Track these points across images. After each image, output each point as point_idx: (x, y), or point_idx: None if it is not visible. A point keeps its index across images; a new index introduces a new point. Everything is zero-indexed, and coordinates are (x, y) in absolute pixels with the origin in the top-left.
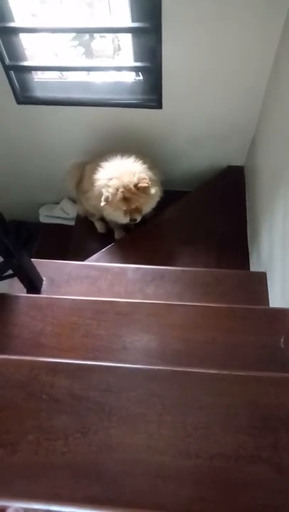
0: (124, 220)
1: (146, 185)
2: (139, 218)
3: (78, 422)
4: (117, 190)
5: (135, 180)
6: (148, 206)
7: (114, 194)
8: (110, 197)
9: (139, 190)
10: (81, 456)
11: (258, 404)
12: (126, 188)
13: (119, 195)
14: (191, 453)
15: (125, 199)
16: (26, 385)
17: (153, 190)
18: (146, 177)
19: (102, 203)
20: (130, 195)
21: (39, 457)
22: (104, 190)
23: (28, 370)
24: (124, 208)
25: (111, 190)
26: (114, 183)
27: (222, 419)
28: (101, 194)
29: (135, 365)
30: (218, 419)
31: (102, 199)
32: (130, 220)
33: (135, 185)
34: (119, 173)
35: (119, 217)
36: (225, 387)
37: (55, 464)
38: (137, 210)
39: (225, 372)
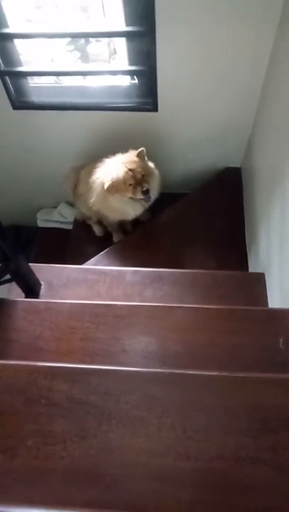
0: (137, 195)
1: (143, 149)
2: (150, 188)
3: (77, 425)
4: (120, 169)
5: (134, 153)
6: (152, 181)
7: (118, 176)
8: (115, 179)
9: (140, 157)
10: (80, 460)
11: (257, 405)
12: (128, 161)
13: (124, 170)
14: (190, 455)
15: (130, 172)
16: (25, 389)
17: (152, 164)
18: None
19: (107, 184)
20: (134, 165)
21: (38, 462)
22: (106, 178)
23: (27, 374)
24: (132, 182)
25: (114, 174)
26: (117, 167)
27: (222, 421)
28: (100, 190)
29: (134, 368)
30: (217, 421)
31: (107, 181)
32: (143, 192)
33: (136, 155)
34: (118, 161)
35: (128, 203)
36: (224, 389)
37: (55, 468)
38: (144, 179)
39: (224, 373)
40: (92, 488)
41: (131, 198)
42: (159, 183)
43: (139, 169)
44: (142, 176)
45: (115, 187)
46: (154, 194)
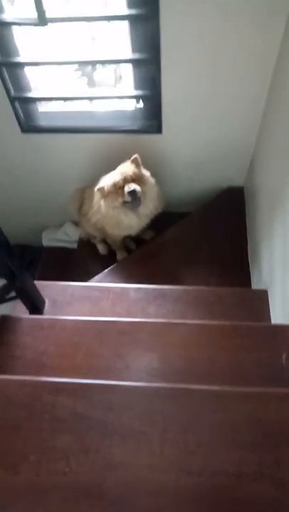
0: (125, 197)
1: (136, 155)
2: (137, 188)
3: (80, 441)
4: (114, 174)
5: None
6: (145, 187)
7: (110, 179)
8: (105, 187)
9: (134, 163)
10: (83, 476)
11: (260, 420)
12: (122, 168)
13: (117, 178)
14: (193, 471)
15: (121, 176)
16: (28, 404)
17: (148, 173)
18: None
19: (98, 186)
20: (125, 170)
21: (41, 478)
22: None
23: (31, 389)
24: (122, 185)
25: (109, 181)
26: (112, 174)
27: (224, 436)
28: (97, 199)
29: (136, 383)
30: (220, 436)
31: (98, 186)
32: (129, 193)
33: (131, 162)
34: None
35: (121, 211)
36: (226, 404)
37: (57, 484)
38: (133, 180)
39: (226, 388)
40: (95, 504)
41: (124, 204)
42: (158, 194)
43: (130, 173)
44: (133, 180)
45: (106, 190)
46: (151, 204)
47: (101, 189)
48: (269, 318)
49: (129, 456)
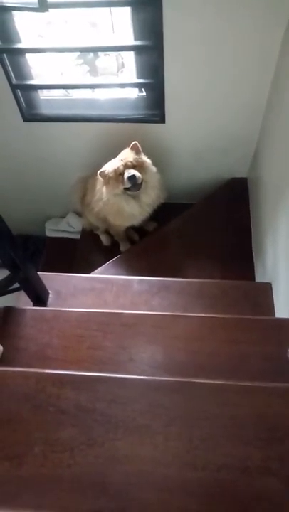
0: (125, 183)
1: (136, 142)
2: (137, 174)
3: (84, 433)
4: (114, 161)
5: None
6: (146, 175)
7: (111, 169)
8: (106, 171)
9: (134, 150)
10: (87, 469)
11: (264, 414)
12: (123, 155)
13: (118, 164)
14: (197, 465)
15: (121, 162)
16: (33, 397)
17: (149, 160)
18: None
19: (100, 171)
20: (126, 156)
21: (45, 470)
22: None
23: (35, 382)
24: (122, 171)
25: (110, 167)
26: (113, 161)
27: (228, 431)
28: (99, 187)
29: (141, 377)
30: (224, 431)
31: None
32: (128, 178)
33: (130, 148)
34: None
35: (122, 198)
36: (231, 398)
37: (62, 476)
38: (133, 166)
39: (231, 382)
40: (99, 497)
41: (125, 192)
42: (160, 182)
43: (130, 159)
44: (134, 166)
45: (107, 175)
46: (153, 193)
47: (102, 173)
48: (273, 312)
49: (133, 449)
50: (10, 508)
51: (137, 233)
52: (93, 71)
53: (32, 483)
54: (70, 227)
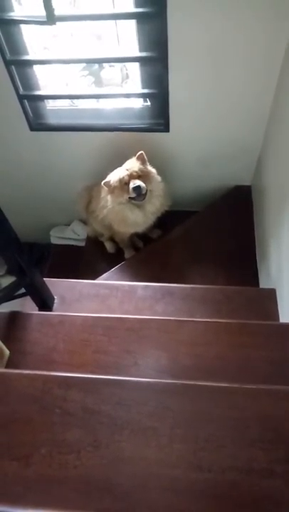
0: (130, 192)
1: (142, 152)
2: (142, 184)
3: (90, 435)
4: (120, 170)
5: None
6: (151, 184)
7: (116, 179)
8: (111, 182)
9: (139, 159)
10: (93, 470)
11: (269, 417)
12: (128, 164)
13: (123, 174)
14: (203, 467)
15: (127, 171)
16: (39, 398)
17: (154, 170)
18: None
19: (104, 180)
20: (131, 166)
21: (52, 470)
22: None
23: (41, 384)
24: (127, 181)
25: (115, 176)
26: (118, 171)
27: (234, 433)
28: (104, 195)
29: (146, 379)
30: (229, 433)
31: (104, 180)
32: (133, 188)
33: (136, 158)
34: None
35: (127, 207)
36: (236, 401)
37: (68, 477)
38: (138, 177)
39: (236, 385)
40: (105, 498)
41: (129, 201)
42: (164, 191)
43: (136, 169)
44: (139, 176)
45: (112, 184)
46: (158, 201)
47: (107, 183)
48: (277, 318)
49: (138, 451)
50: (17, 508)
51: (142, 240)
52: (98, 82)
53: (39, 483)
54: (75, 234)
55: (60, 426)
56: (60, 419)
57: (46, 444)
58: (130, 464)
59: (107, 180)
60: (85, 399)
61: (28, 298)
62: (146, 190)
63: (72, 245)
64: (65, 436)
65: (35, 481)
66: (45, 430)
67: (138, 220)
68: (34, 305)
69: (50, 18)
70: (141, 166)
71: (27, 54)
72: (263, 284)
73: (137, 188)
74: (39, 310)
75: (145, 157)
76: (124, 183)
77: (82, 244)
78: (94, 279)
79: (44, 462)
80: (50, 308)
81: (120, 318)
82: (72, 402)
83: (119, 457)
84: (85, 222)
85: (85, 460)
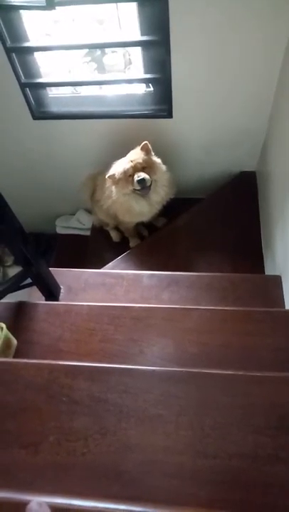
0: (134, 184)
1: (146, 142)
2: (146, 177)
3: (97, 423)
4: (124, 162)
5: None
6: (156, 175)
7: (120, 167)
8: (116, 174)
9: (144, 150)
10: (101, 457)
11: (274, 404)
12: (133, 155)
13: (126, 162)
14: (209, 453)
15: (131, 163)
16: (46, 387)
17: (158, 160)
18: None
19: (108, 173)
20: (136, 157)
21: (60, 458)
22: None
23: (48, 373)
24: (131, 173)
25: (119, 168)
26: (123, 162)
27: (239, 420)
28: (108, 185)
29: (152, 367)
30: (235, 420)
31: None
32: (138, 181)
33: (140, 149)
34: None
35: (132, 197)
36: (241, 388)
37: (76, 464)
38: (145, 172)
39: (241, 372)
40: (113, 484)
41: (134, 191)
42: (169, 180)
43: (140, 161)
44: (143, 168)
45: (116, 177)
46: (163, 191)
47: (111, 176)
48: (283, 304)
49: (145, 438)
50: (26, 494)
51: (147, 229)
52: (101, 68)
53: (47, 470)
54: (80, 223)
55: (68, 414)
56: (67, 408)
57: (54, 432)
58: (137, 451)
59: (111, 173)
60: (91, 387)
61: (35, 288)
62: (151, 182)
63: (78, 235)
64: (72, 424)
65: (44, 468)
66: (52, 418)
67: (143, 210)
68: (41, 295)
69: (50, 3)
70: (145, 157)
71: (28, 41)
72: (269, 270)
73: (142, 181)
74: (46, 299)
75: (150, 147)
76: (128, 175)
77: (88, 233)
78: (100, 268)
79: (52, 450)
80: (56, 298)
81: (126, 307)
82: (79, 390)
83: (126, 444)
84: (90, 211)
85: (93, 447)
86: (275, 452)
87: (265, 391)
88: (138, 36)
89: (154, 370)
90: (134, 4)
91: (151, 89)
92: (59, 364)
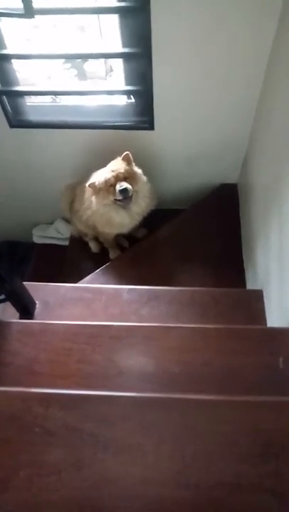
0: (116, 195)
1: (128, 152)
2: (129, 187)
3: (72, 455)
4: (105, 172)
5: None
6: (137, 185)
7: (102, 180)
8: (97, 183)
9: (125, 160)
10: (76, 492)
11: (257, 430)
12: (114, 165)
13: (109, 175)
14: (190, 484)
15: (112, 173)
16: (18, 417)
17: (140, 170)
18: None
19: (89, 182)
20: (117, 167)
21: (32, 494)
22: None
23: (20, 401)
24: (113, 183)
25: (100, 177)
26: (103, 171)
27: (221, 448)
28: (88, 195)
29: (130, 394)
30: (217, 448)
31: (89, 182)
32: (120, 191)
33: (122, 159)
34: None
35: (112, 208)
36: (223, 415)
37: (49, 501)
38: (124, 178)
39: (222, 397)
40: None
41: (115, 202)
42: (150, 191)
43: (122, 171)
44: (125, 178)
45: (97, 186)
46: (144, 202)
47: (92, 185)
48: (264, 319)
49: (123, 470)
50: None
51: (127, 240)
52: (81, 75)
53: (18, 509)
54: (58, 233)
55: (40, 446)
56: (40, 439)
57: (25, 467)
58: (115, 484)
59: (92, 181)
60: (66, 416)
61: (9, 303)
62: (133, 192)
63: (56, 244)
64: (45, 457)
65: (14, 506)
66: (24, 451)
67: (124, 221)
68: (15, 311)
69: (28, 11)
70: (127, 167)
71: (5, 48)
72: (250, 284)
73: (124, 191)
74: (20, 316)
75: (131, 157)
76: (109, 185)
77: (66, 243)
78: (78, 279)
79: (23, 486)
80: (31, 315)
81: (104, 325)
82: (53, 419)
83: (103, 477)
84: (68, 221)
85: (67, 482)
86: (259, 480)
87: (248, 417)
88: (119, 48)
89: (132, 397)
90: (116, 16)
91: (133, 100)
92: (32, 392)
